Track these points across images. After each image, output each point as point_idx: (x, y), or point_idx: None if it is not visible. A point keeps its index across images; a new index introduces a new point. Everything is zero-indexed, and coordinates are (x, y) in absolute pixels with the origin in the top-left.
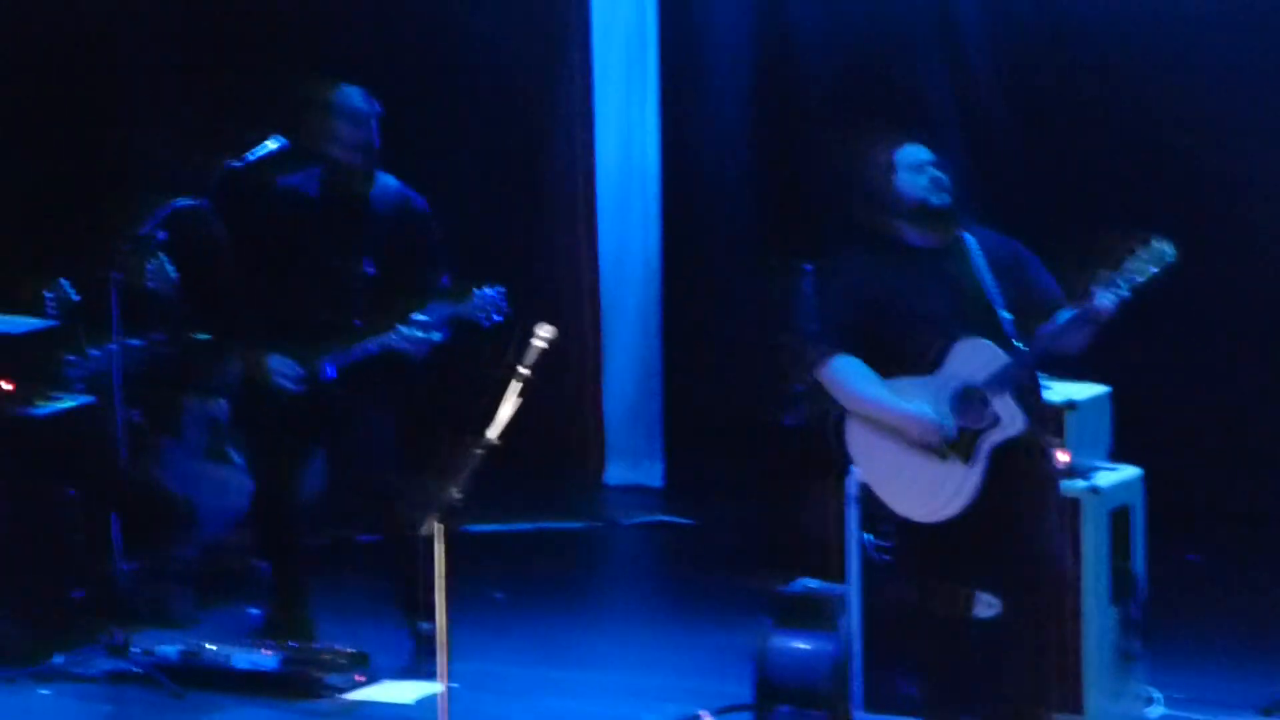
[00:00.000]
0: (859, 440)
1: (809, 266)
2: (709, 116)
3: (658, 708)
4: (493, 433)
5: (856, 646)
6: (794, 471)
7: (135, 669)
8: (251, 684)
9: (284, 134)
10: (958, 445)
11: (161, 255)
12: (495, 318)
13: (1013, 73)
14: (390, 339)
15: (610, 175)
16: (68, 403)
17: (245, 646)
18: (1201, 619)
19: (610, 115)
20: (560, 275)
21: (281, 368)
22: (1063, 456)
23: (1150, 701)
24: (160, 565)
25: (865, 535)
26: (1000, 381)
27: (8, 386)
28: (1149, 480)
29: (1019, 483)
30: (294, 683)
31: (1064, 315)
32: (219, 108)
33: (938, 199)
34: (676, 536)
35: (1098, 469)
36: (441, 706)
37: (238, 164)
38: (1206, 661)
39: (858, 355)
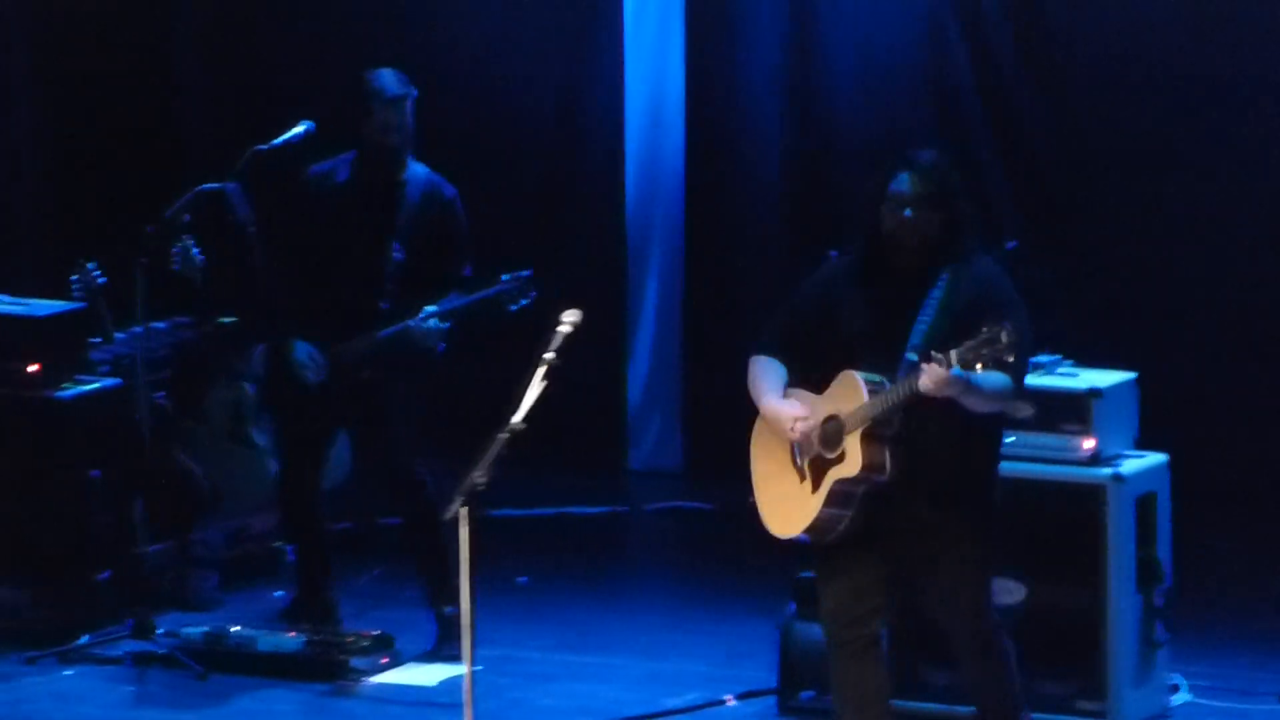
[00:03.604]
0: (758, 440)
1: (834, 253)
2: (736, 101)
3: (681, 692)
4: (517, 417)
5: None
6: None
7: (159, 651)
8: (275, 666)
9: (316, 118)
10: (813, 470)
11: (187, 238)
12: (522, 301)
13: (1040, 53)
14: (410, 325)
15: (636, 159)
16: (93, 385)
17: (269, 629)
18: (1226, 606)
19: (638, 99)
20: (584, 260)
21: (305, 357)
22: (1088, 443)
23: (1175, 689)
24: (185, 548)
25: None
26: (856, 419)
27: (33, 369)
28: (1174, 466)
29: (903, 534)
30: (318, 665)
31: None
32: (253, 92)
33: (906, 240)
34: (699, 521)
35: (1124, 456)
36: (465, 689)
37: (265, 147)
38: (1231, 648)
39: (790, 356)
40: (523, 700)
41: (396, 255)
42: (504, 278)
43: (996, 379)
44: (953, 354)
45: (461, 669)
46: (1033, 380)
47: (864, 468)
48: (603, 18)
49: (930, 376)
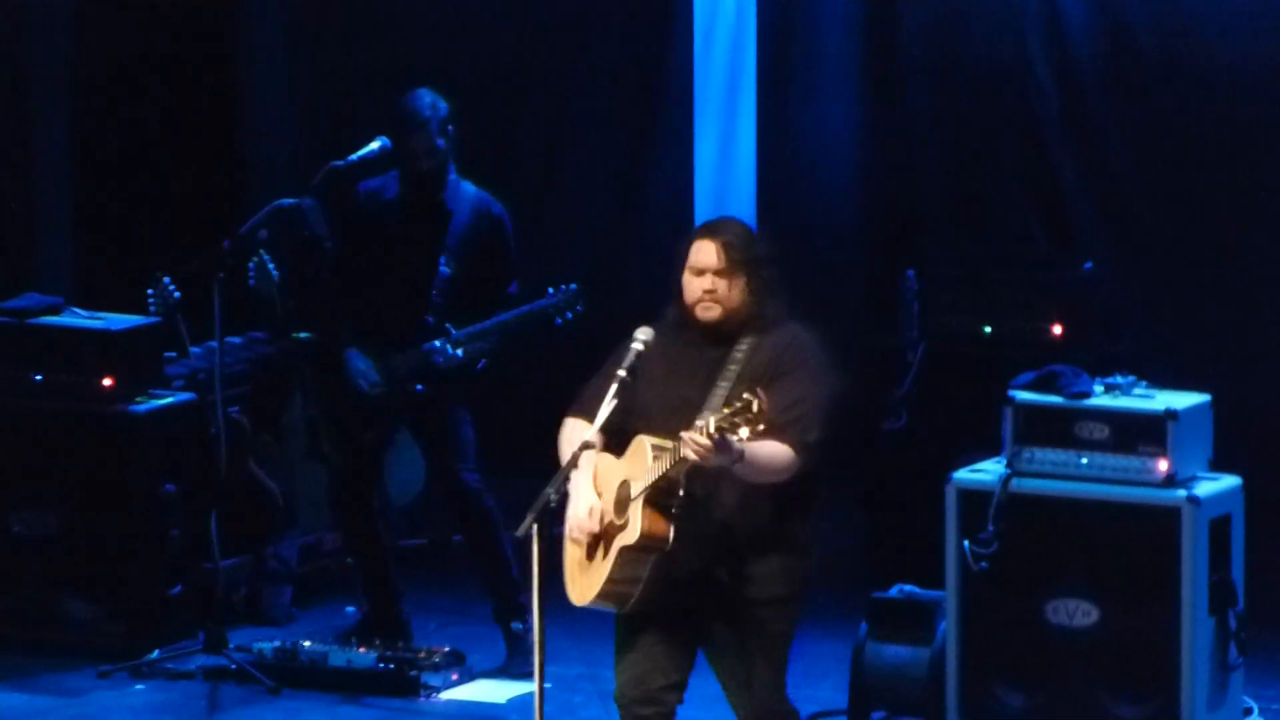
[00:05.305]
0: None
1: (910, 271)
2: (807, 119)
3: None
4: (591, 433)
5: (954, 654)
6: (894, 476)
7: (231, 665)
8: (347, 682)
9: (390, 135)
10: (605, 536)
11: (263, 253)
12: (568, 315)
13: (1122, 76)
14: (434, 359)
15: (707, 178)
16: (168, 400)
17: (341, 644)
18: None
19: (708, 118)
20: (655, 279)
21: (361, 366)
22: (1163, 465)
23: (1248, 712)
24: (258, 562)
25: (964, 542)
26: (639, 486)
27: (107, 383)
28: (1248, 489)
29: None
30: (389, 681)
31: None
32: (328, 108)
33: (705, 308)
34: None
35: (1198, 478)
36: (536, 707)
37: (340, 164)
38: None
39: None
40: (594, 717)
41: (444, 270)
42: (549, 291)
43: (771, 448)
44: (711, 420)
45: (532, 686)
46: (1109, 401)
47: (643, 535)
48: (674, 35)
49: (690, 445)
